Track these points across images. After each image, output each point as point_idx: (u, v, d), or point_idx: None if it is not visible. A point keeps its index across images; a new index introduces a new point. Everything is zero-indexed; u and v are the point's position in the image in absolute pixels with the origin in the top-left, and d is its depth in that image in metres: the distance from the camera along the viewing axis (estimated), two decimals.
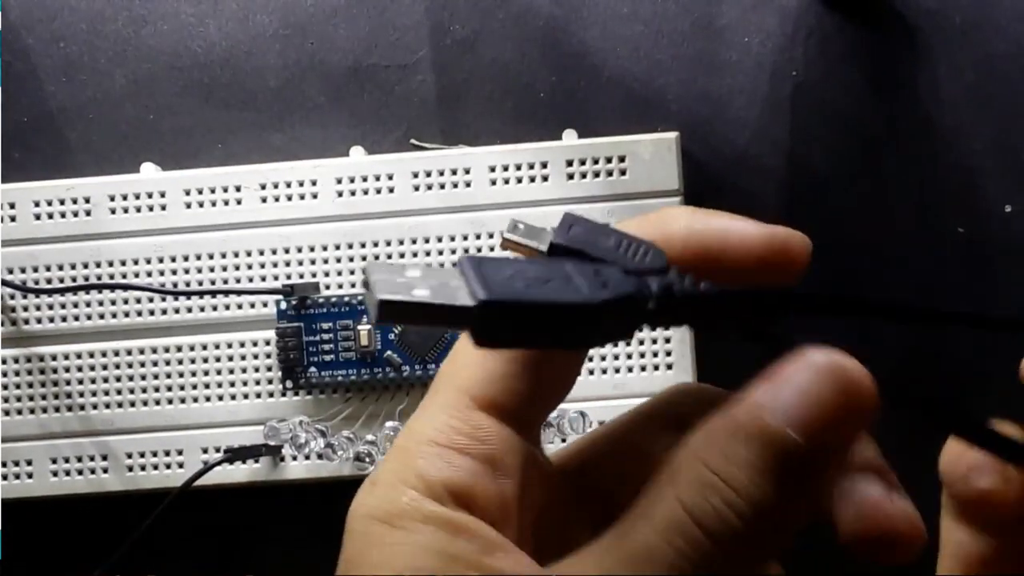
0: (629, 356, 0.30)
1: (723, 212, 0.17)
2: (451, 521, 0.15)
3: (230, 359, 0.31)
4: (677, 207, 0.16)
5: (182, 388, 0.31)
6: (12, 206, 0.31)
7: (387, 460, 0.16)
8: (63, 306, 0.31)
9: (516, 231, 0.16)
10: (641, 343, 0.30)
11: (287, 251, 0.31)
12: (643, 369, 0.30)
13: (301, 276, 0.31)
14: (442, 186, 0.31)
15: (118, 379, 0.31)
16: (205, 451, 0.31)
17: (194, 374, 0.31)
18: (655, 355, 0.30)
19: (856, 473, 0.16)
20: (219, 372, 0.31)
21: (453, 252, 0.31)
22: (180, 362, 0.31)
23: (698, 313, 0.15)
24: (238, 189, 0.31)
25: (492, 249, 0.31)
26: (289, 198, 0.31)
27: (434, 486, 0.15)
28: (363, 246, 0.31)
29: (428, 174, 0.31)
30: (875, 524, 0.15)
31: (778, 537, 0.14)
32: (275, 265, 0.31)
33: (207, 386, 0.31)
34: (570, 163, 0.31)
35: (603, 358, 0.30)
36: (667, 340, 0.30)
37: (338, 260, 0.31)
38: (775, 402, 0.14)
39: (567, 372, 0.17)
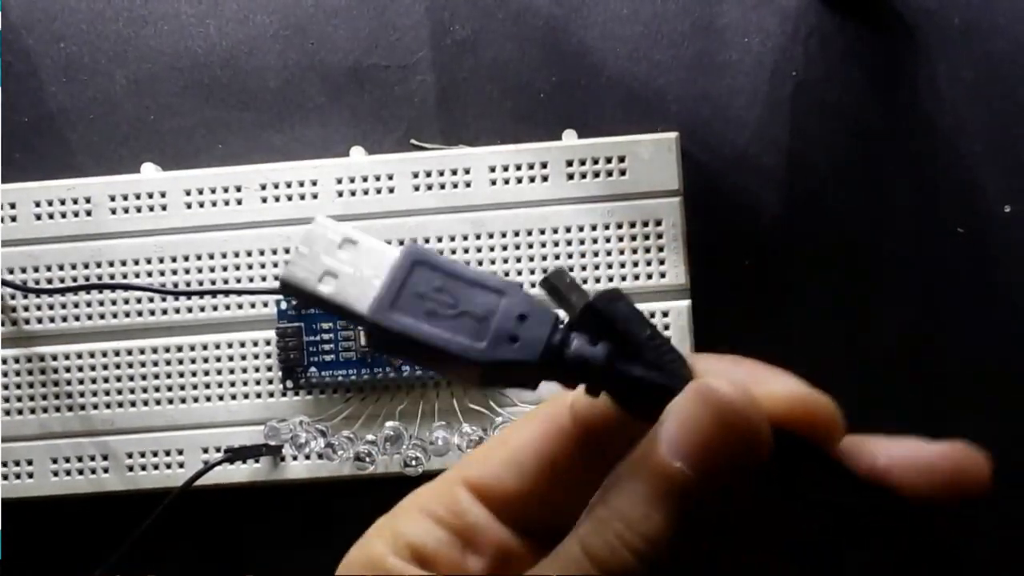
0: None
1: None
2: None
3: (230, 359, 0.31)
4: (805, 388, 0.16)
5: (182, 388, 0.31)
6: (13, 206, 0.32)
7: (382, 517, 0.17)
8: (63, 306, 0.31)
9: (560, 279, 0.17)
10: None
11: (287, 251, 0.31)
12: None
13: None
14: (442, 186, 0.31)
15: (118, 379, 0.31)
16: (205, 451, 0.31)
17: (194, 374, 0.31)
18: None
19: (870, 444, 0.16)
20: (219, 372, 0.31)
21: (453, 252, 0.31)
22: (180, 362, 0.31)
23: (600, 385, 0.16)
24: (238, 189, 0.31)
25: (492, 250, 0.31)
26: (289, 198, 0.31)
27: (400, 545, 0.17)
28: None
29: (428, 174, 0.31)
30: (936, 468, 0.15)
31: (684, 573, 0.14)
32: (275, 265, 0.31)
33: (207, 386, 0.31)
34: (570, 163, 0.31)
35: None
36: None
37: None
38: (663, 435, 0.14)
39: (571, 483, 0.17)
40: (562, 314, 0.16)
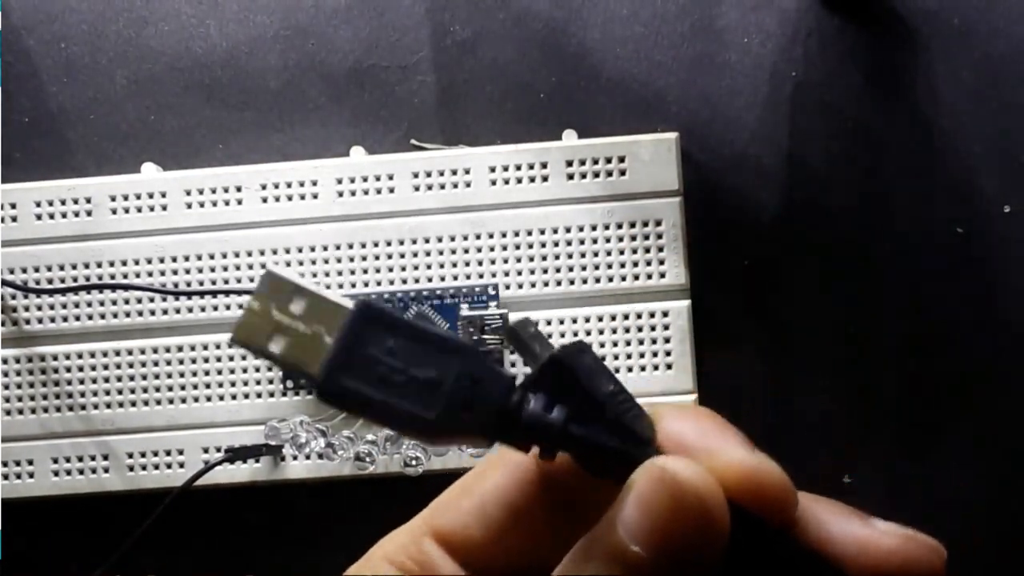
0: (629, 356, 0.30)
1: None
2: None
3: (231, 359, 0.31)
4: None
5: (183, 388, 0.31)
6: (13, 206, 0.32)
7: (350, 568, 0.17)
8: (64, 306, 0.31)
9: (524, 329, 0.16)
10: (641, 343, 0.30)
11: (287, 251, 0.31)
12: (643, 369, 0.30)
13: (301, 276, 0.31)
14: (442, 186, 0.31)
15: (119, 379, 0.31)
16: (206, 451, 0.31)
17: (195, 374, 0.31)
18: (655, 355, 0.30)
19: (825, 515, 0.16)
20: (220, 372, 0.31)
21: (453, 252, 0.31)
22: (181, 362, 0.31)
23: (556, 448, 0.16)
24: (239, 189, 0.31)
25: (492, 250, 0.31)
26: (289, 198, 0.31)
27: None
28: (363, 246, 0.31)
29: (428, 174, 0.31)
30: (888, 560, 0.15)
31: None
32: (276, 265, 0.31)
33: (208, 386, 0.31)
34: (570, 163, 0.31)
35: (602, 358, 0.30)
36: (667, 340, 0.30)
37: (338, 260, 0.31)
38: (621, 518, 0.14)
39: (538, 531, 0.17)
40: (521, 370, 0.16)
